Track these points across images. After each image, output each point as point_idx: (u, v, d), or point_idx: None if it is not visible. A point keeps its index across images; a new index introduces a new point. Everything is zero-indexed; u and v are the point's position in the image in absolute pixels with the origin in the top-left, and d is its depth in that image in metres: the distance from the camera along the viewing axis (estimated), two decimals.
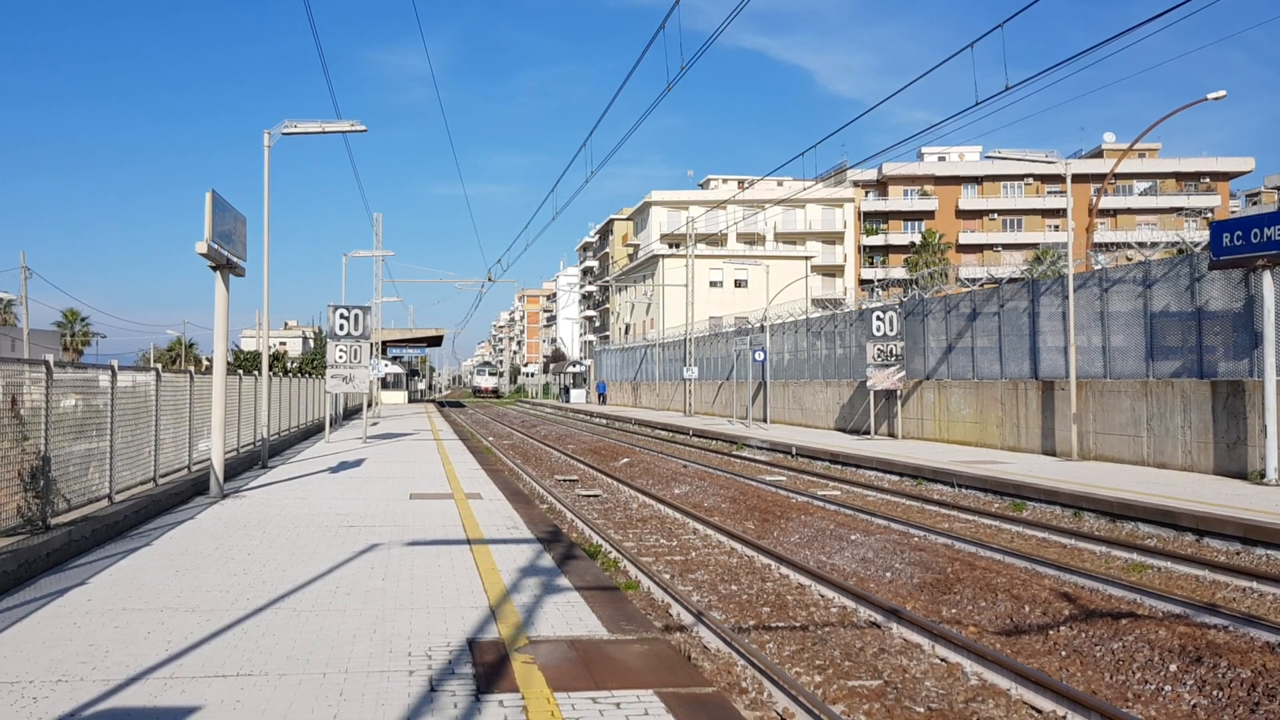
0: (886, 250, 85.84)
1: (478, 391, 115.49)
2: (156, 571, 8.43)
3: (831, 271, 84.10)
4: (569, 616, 6.92)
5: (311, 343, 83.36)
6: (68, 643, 6.11)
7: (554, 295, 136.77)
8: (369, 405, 33.43)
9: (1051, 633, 8.39)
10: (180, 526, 11.11)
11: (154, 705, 4.95)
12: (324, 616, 6.84)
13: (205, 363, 73.97)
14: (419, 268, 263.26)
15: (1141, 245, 22.13)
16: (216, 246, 13.17)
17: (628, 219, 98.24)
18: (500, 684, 5.35)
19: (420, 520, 11.67)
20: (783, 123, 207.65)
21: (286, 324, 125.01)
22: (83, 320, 78.91)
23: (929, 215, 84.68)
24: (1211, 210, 78.41)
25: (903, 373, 26.80)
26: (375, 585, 7.91)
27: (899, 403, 28.11)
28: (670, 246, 76.37)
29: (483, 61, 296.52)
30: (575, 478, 22.09)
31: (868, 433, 28.49)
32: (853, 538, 12.88)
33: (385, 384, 63.53)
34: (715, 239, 75.76)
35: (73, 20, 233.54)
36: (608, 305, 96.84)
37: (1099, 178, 64.75)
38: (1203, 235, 19.71)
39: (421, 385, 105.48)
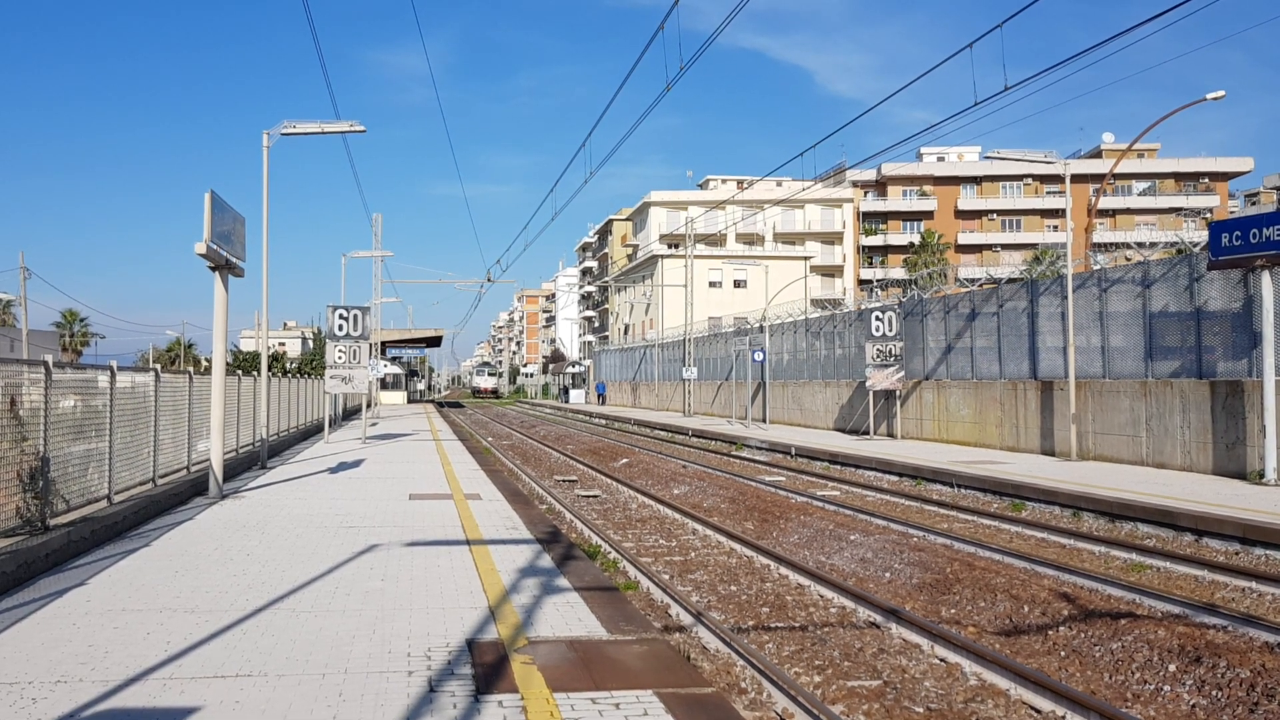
0: (885, 250, 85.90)
1: (477, 392, 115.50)
2: (156, 572, 8.43)
3: (831, 272, 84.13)
4: (568, 617, 6.92)
5: (311, 343, 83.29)
6: (67, 643, 6.11)
7: (553, 296, 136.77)
8: (368, 406, 33.44)
9: (1051, 633, 8.39)
10: (179, 527, 11.11)
11: (153, 706, 4.95)
12: (323, 617, 6.84)
13: (204, 363, 73.95)
14: (418, 268, 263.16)
15: (1140, 245, 22.15)
16: (215, 247, 13.17)
17: (627, 219, 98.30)
18: (499, 684, 5.35)
19: (419, 521, 11.67)
20: (782, 123, 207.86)
21: (286, 324, 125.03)
22: (82, 321, 78.84)
23: (928, 215, 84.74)
24: (1210, 210, 78.48)
25: (902, 373, 26.81)
26: (374, 586, 7.91)
27: (898, 403, 28.11)
28: (669, 247, 76.36)
29: (482, 61, 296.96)
30: (574, 478, 22.08)
31: (867, 433, 28.50)
32: (852, 538, 12.88)
33: (384, 384, 63.57)
34: (714, 239, 75.78)
35: (73, 20, 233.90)
36: (607, 306, 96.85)
37: (1098, 178, 64.79)
38: (1202, 235, 19.74)
39: (421, 386, 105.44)
